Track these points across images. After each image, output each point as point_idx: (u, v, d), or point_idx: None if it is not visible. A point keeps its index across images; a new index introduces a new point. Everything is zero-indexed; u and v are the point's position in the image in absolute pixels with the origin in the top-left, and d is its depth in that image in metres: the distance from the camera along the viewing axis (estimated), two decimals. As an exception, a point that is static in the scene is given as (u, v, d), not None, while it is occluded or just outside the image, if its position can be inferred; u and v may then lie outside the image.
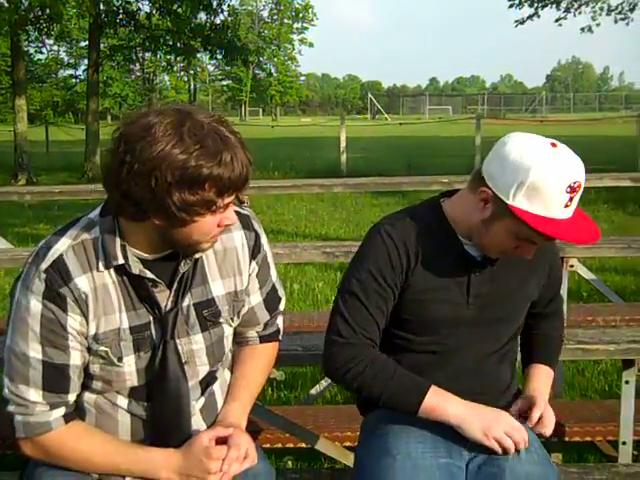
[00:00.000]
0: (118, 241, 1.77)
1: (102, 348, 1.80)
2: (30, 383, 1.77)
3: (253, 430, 2.02)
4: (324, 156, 22.54)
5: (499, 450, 2.00)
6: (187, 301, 1.86)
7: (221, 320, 1.94)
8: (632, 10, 23.18)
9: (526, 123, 29.37)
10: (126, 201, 1.67)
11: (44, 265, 1.74)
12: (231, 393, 2.01)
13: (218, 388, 2.00)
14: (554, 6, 22.99)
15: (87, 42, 22.82)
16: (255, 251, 2.00)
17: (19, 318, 1.75)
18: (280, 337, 2.18)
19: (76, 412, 1.85)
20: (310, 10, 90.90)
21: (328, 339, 2.11)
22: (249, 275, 2.00)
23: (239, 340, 2.10)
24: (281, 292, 2.15)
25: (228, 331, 1.98)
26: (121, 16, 21.20)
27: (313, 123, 41.39)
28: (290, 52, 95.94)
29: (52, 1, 16.50)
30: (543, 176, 1.85)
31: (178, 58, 28.56)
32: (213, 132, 1.64)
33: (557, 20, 23.54)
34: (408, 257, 2.06)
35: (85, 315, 1.77)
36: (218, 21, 23.08)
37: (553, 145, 1.90)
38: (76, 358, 1.79)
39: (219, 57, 25.10)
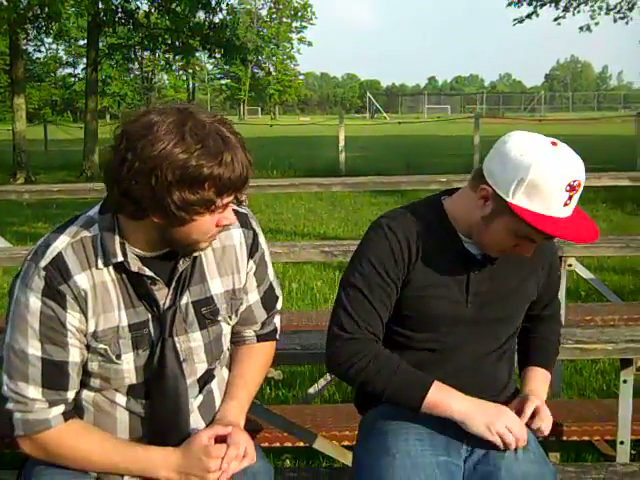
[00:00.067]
0: (117, 239, 1.77)
1: (101, 346, 1.80)
2: (29, 380, 1.77)
3: (251, 429, 2.02)
4: (323, 155, 22.53)
5: (501, 445, 2.00)
6: (185, 299, 1.87)
7: (219, 318, 1.94)
8: (631, 9, 23.17)
9: (525, 122, 29.35)
10: (126, 199, 1.67)
11: (43, 262, 1.75)
12: (229, 392, 2.02)
13: (216, 386, 2.01)
14: (553, 5, 22.96)
15: (86, 41, 22.82)
16: (253, 249, 2.01)
17: (18, 315, 1.76)
18: (277, 336, 2.19)
19: (75, 410, 1.85)
20: (309, 9, 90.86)
21: (331, 333, 2.10)
22: (247, 273, 2.00)
23: (236, 339, 2.10)
24: (278, 291, 2.15)
25: (226, 329, 1.98)
26: (120, 15, 21.17)
27: (312, 122, 41.37)
28: (289, 51, 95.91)
29: (51, 0, 16.48)
30: (543, 174, 1.86)
31: (177, 57, 28.58)
32: (214, 132, 1.65)
33: (556, 19, 23.51)
34: (410, 251, 2.06)
35: (84, 312, 1.77)
36: (217, 20, 23.10)
37: (554, 144, 1.91)
38: (75, 355, 1.79)
39: (218, 56, 25.14)
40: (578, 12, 23.37)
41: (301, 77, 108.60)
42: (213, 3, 21.63)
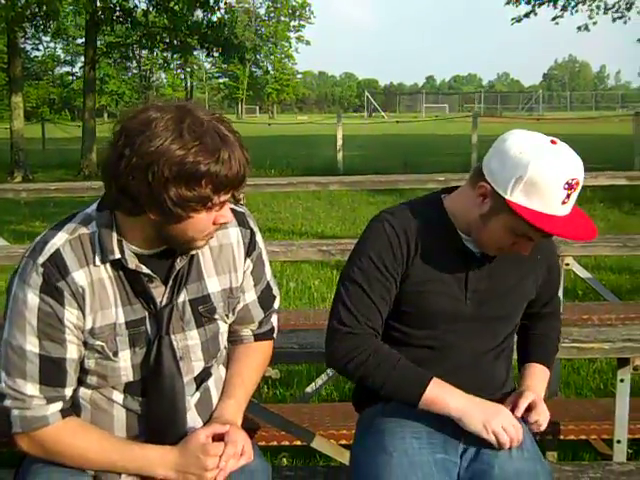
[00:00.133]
0: (115, 236, 1.78)
1: (98, 342, 1.80)
2: (27, 377, 1.77)
3: (249, 428, 2.02)
4: (321, 154, 22.52)
5: (496, 444, 2.00)
6: (182, 297, 1.87)
7: (216, 316, 1.94)
8: (629, 9, 23.16)
9: (523, 121, 29.34)
10: (123, 195, 1.68)
11: (41, 259, 1.75)
12: (226, 391, 2.02)
13: (213, 384, 2.01)
14: (551, 4, 22.96)
15: (84, 39, 22.78)
16: (250, 248, 2.01)
17: (16, 312, 1.76)
18: (275, 336, 2.18)
19: (72, 408, 1.85)
20: (307, 8, 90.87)
21: (331, 327, 2.11)
22: (244, 272, 2.00)
23: (234, 338, 2.10)
24: (275, 290, 2.15)
25: (223, 327, 1.98)
26: (118, 13, 21.14)
27: (310, 121, 41.38)
28: (287, 50, 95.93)
29: (49, -2, 16.49)
30: (541, 172, 1.86)
31: (175, 55, 28.55)
32: (212, 130, 1.66)
33: (554, 18, 23.51)
34: (408, 246, 2.07)
35: (82, 309, 1.77)
36: (215, 18, 23.06)
37: (553, 142, 1.91)
38: (73, 352, 1.79)
39: (216, 55, 25.11)
40: (576, 12, 23.37)
41: (299, 76, 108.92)
42: (211, 2, 21.59)
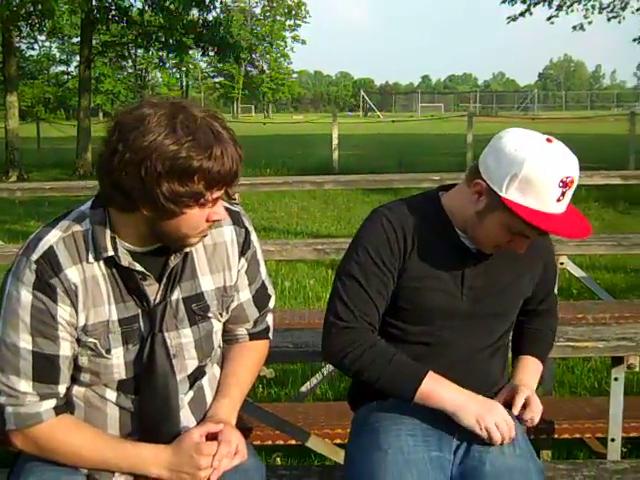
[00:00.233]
0: (108, 233, 1.78)
1: (91, 340, 1.80)
2: (20, 374, 1.77)
3: (243, 427, 2.01)
4: (316, 153, 22.52)
5: (488, 439, 2.01)
6: (176, 295, 1.87)
7: (210, 315, 1.94)
8: (624, 8, 23.18)
9: (518, 121, 29.37)
10: (116, 190, 1.68)
11: (35, 256, 1.75)
12: (221, 390, 2.01)
13: (207, 383, 2.00)
14: (546, 4, 22.97)
15: (79, 38, 22.76)
16: (245, 247, 2.01)
17: (10, 310, 1.76)
18: (270, 335, 2.18)
19: (66, 406, 1.85)
20: (303, 7, 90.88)
21: (327, 322, 2.11)
22: (238, 271, 2.00)
23: (229, 338, 2.10)
24: (271, 290, 2.15)
25: (217, 326, 1.98)
26: (113, 12, 21.15)
27: (305, 120, 41.35)
28: (283, 49, 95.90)
29: (44, -3, 16.47)
30: (536, 169, 1.87)
31: (170, 55, 28.48)
32: (206, 126, 1.66)
33: (549, 18, 23.52)
34: (405, 241, 2.07)
35: (75, 306, 1.78)
36: (210, 18, 23.10)
37: (549, 140, 1.92)
38: (66, 349, 1.79)
39: (211, 54, 25.09)
40: (571, 11, 23.37)
41: (295, 75, 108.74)
42: (207, 1, 21.62)
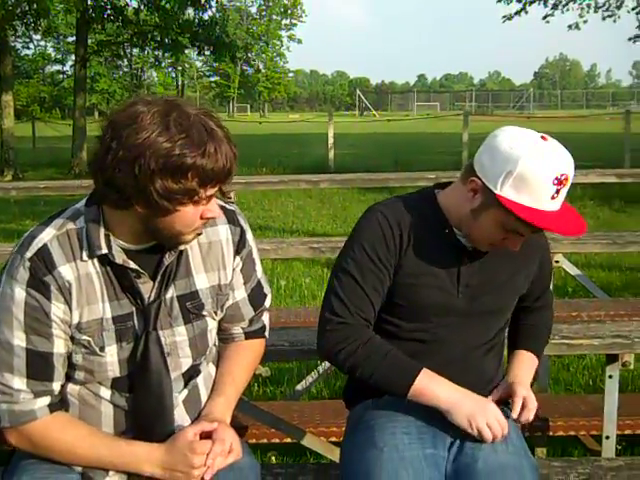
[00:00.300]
0: (102, 231, 1.78)
1: (84, 337, 1.81)
2: (14, 371, 1.77)
3: (238, 425, 2.02)
4: (312, 152, 22.51)
5: (479, 437, 2.01)
6: (170, 293, 1.87)
7: (204, 313, 1.94)
8: (619, 7, 23.19)
9: (514, 120, 29.37)
10: (109, 188, 1.68)
11: (28, 254, 1.75)
12: (216, 389, 2.01)
13: (201, 381, 2.00)
14: (541, 3, 22.99)
15: (74, 38, 22.72)
16: (240, 246, 2.01)
17: (4, 307, 1.76)
18: (266, 334, 2.18)
19: (60, 404, 1.85)
20: (299, 6, 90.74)
21: (322, 318, 2.11)
22: (233, 270, 2.00)
23: (224, 336, 2.10)
24: (267, 289, 2.15)
25: (212, 324, 1.98)
26: (109, 12, 21.07)
27: (301, 119, 41.33)
28: (278, 48, 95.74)
29: (39, -4, 16.44)
30: (531, 167, 1.87)
31: (166, 54, 28.45)
32: (199, 123, 1.66)
33: (545, 17, 23.54)
34: (401, 237, 2.07)
35: (69, 304, 1.78)
36: (206, 17, 23.04)
37: (543, 138, 1.93)
38: (60, 346, 1.80)
39: (207, 53, 25.05)
40: (567, 10, 23.39)
41: (291, 74, 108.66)
42: (202, 0, 21.57)
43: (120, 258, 1.79)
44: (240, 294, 2.05)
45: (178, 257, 1.87)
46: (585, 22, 24.01)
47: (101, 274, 1.80)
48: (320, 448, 3.05)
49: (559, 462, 2.55)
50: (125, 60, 61.43)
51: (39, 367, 1.78)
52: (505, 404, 2.18)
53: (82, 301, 1.79)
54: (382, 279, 2.08)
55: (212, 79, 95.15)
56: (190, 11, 22.51)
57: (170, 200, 1.67)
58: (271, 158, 20.18)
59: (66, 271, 1.77)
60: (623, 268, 7.49)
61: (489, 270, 2.14)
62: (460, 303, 2.12)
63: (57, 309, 1.77)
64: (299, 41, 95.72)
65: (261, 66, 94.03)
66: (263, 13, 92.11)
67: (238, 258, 2.01)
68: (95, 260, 1.79)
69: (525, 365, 2.26)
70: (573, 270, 4.94)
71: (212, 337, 2.01)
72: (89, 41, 22.43)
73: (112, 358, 1.83)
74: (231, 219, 1.99)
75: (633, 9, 22.80)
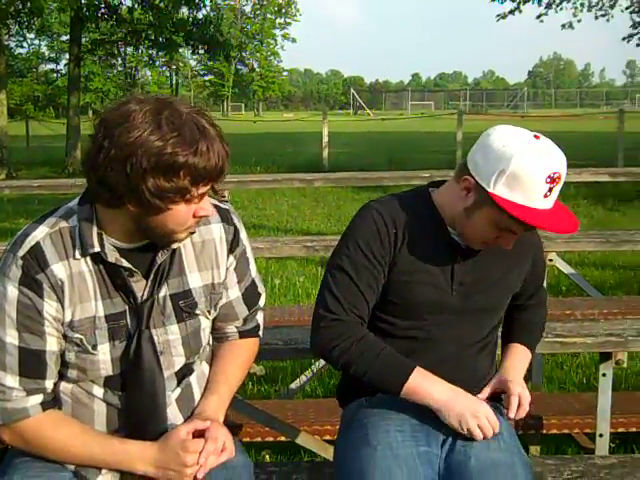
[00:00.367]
0: (95, 229, 1.78)
1: (77, 335, 1.80)
2: (7, 369, 1.77)
3: (232, 424, 2.02)
4: (306, 151, 22.52)
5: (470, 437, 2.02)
6: (163, 291, 1.87)
7: (197, 312, 1.94)
8: (612, 7, 23.25)
9: (508, 119, 29.42)
10: (101, 186, 1.68)
11: (21, 252, 1.75)
12: (209, 387, 2.01)
13: (195, 380, 2.00)
14: (535, 1, 23.01)
15: (68, 36, 22.67)
16: (233, 245, 2.00)
17: None
18: (260, 333, 2.18)
19: (53, 402, 1.85)
20: (293, 5, 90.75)
21: (316, 314, 2.11)
22: (227, 269, 2.00)
23: (219, 335, 2.10)
24: (261, 288, 2.15)
25: (205, 323, 1.98)
26: (102, 10, 21.05)
27: (295, 118, 41.33)
28: (273, 47, 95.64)
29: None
30: (524, 165, 1.88)
31: (160, 53, 28.44)
32: (191, 122, 1.66)
33: (539, 16, 23.56)
34: (396, 234, 2.08)
35: (61, 302, 1.78)
36: (200, 16, 23.05)
37: (536, 137, 1.94)
38: (52, 344, 1.79)
39: (201, 52, 25.04)
40: (560, 9, 23.43)
41: (285, 73, 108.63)
42: (196, -1, 21.56)
43: (113, 256, 1.78)
44: (234, 293, 2.05)
45: (171, 256, 1.87)
46: (579, 21, 24.07)
47: (94, 272, 1.80)
48: (314, 446, 3.05)
49: (553, 460, 2.56)
50: (119, 59, 61.57)
51: (32, 365, 1.78)
52: (498, 399, 2.19)
53: (75, 299, 1.79)
54: (376, 276, 2.08)
55: (206, 78, 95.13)
56: (184, 10, 22.53)
57: (162, 199, 1.67)
58: (265, 157, 20.17)
59: (59, 269, 1.76)
60: (616, 267, 7.51)
61: (482, 268, 2.14)
62: (454, 301, 2.12)
63: (49, 307, 1.77)
64: (293, 40, 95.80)
65: (255, 65, 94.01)
66: (257, 12, 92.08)
67: (232, 257, 2.01)
68: (88, 258, 1.79)
69: (518, 357, 2.26)
70: (567, 269, 4.95)
71: (205, 336, 2.01)
72: (83, 40, 22.39)
73: (105, 356, 1.83)
74: (225, 218, 1.99)
75: (627, 8, 22.86)
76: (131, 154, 1.61)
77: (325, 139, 19.27)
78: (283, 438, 3.19)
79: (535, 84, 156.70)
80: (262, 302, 2.16)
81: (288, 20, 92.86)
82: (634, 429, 3.31)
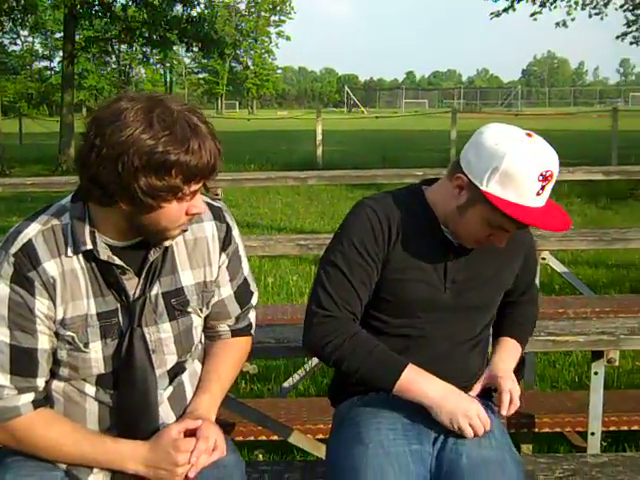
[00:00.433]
0: (87, 227, 1.78)
1: (69, 333, 1.80)
2: None
3: (224, 423, 2.02)
4: (300, 149, 22.51)
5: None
6: (156, 289, 1.87)
7: (189, 310, 1.94)
8: (606, 5, 23.27)
9: (501, 117, 29.44)
10: (93, 185, 1.68)
11: (13, 249, 1.75)
12: (201, 386, 2.01)
13: (187, 378, 2.00)
14: (530, 0, 23.00)
15: (62, 34, 22.62)
16: (226, 243, 2.00)
17: None
18: (253, 332, 2.18)
19: (45, 400, 1.85)
20: (288, 3, 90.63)
21: (309, 310, 2.11)
22: (219, 267, 2.00)
23: (211, 334, 2.10)
24: (253, 287, 2.14)
25: (197, 321, 1.98)
26: (97, 7, 21.01)
27: (290, 116, 41.32)
28: (267, 45, 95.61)
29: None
30: (516, 163, 1.89)
31: (154, 50, 28.37)
32: (183, 119, 1.66)
33: (532, 14, 23.57)
34: (390, 231, 2.08)
35: (53, 299, 1.77)
36: (195, 13, 23.00)
37: (529, 135, 1.94)
38: (44, 342, 1.79)
39: (195, 50, 25.01)
40: (554, 7, 23.41)
41: (279, 71, 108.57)
42: (190, -4, 21.54)
43: (105, 254, 1.78)
44: (226, 291, 2.05)
45: (163, 254, 1.87)
46: (573, 20, 24.08)
47: (86, 270, 1.80)
48: (307, 445, 3.05)
49: (545, 458, 2.56)
50: (113, 56, 61.42)
51: (23, 363, 1.78)
52: (489, 395, 2.19)
53: (66, 297, 1.78)
54: (370, 273, 2.08)
55: (200, 76, 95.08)
56: (178, 7, 22.51)
57: (154, 197, 1.66)
58: (259, 155, 20.15)
59: (51, 267, 1.76)
60: (609, 265, 7.53)
61: (475, 266, 2.15)
62: (447, 298, 2.13)
63: (41, 305, 1.76)
64: (288, 38, 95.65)
65: (250, 63, 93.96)
66: (252, 10, 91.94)
67: (224, 255, 2.01)
68: (80, 256, 1.79)
69: (508, 350, 2.26)
70: (559, 267, 4.96)
71: (197, 334, 2.00)
72: (77, 37, 22.35)
73: (96, 354, 1.83)
74: (217, 216, 1.99)
75: (621, 6, 22.87)
76: (123, 153, 1.61)
77: (319, 137, 19.25)
78: (276, 437, 3.18)
79: (529, 82, 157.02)
80: (255, 300, 2.15)
81: (282, 18, 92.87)
82: (626, 427, 3.31)
